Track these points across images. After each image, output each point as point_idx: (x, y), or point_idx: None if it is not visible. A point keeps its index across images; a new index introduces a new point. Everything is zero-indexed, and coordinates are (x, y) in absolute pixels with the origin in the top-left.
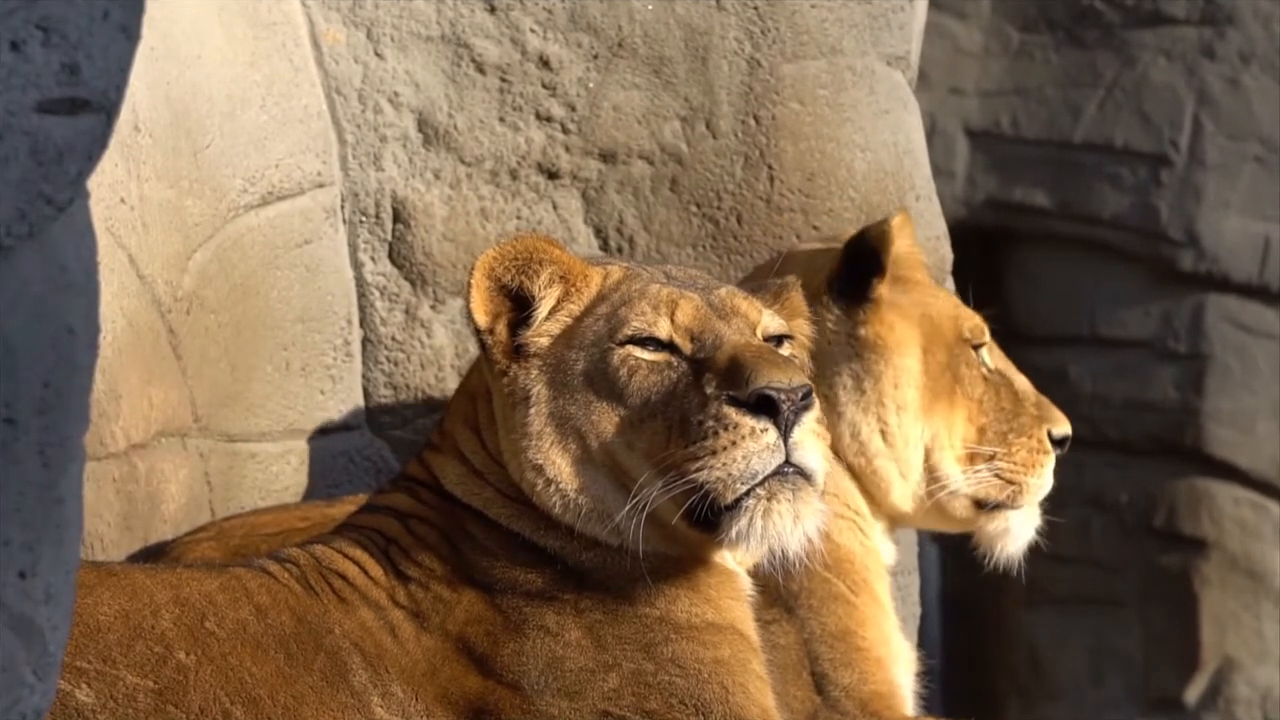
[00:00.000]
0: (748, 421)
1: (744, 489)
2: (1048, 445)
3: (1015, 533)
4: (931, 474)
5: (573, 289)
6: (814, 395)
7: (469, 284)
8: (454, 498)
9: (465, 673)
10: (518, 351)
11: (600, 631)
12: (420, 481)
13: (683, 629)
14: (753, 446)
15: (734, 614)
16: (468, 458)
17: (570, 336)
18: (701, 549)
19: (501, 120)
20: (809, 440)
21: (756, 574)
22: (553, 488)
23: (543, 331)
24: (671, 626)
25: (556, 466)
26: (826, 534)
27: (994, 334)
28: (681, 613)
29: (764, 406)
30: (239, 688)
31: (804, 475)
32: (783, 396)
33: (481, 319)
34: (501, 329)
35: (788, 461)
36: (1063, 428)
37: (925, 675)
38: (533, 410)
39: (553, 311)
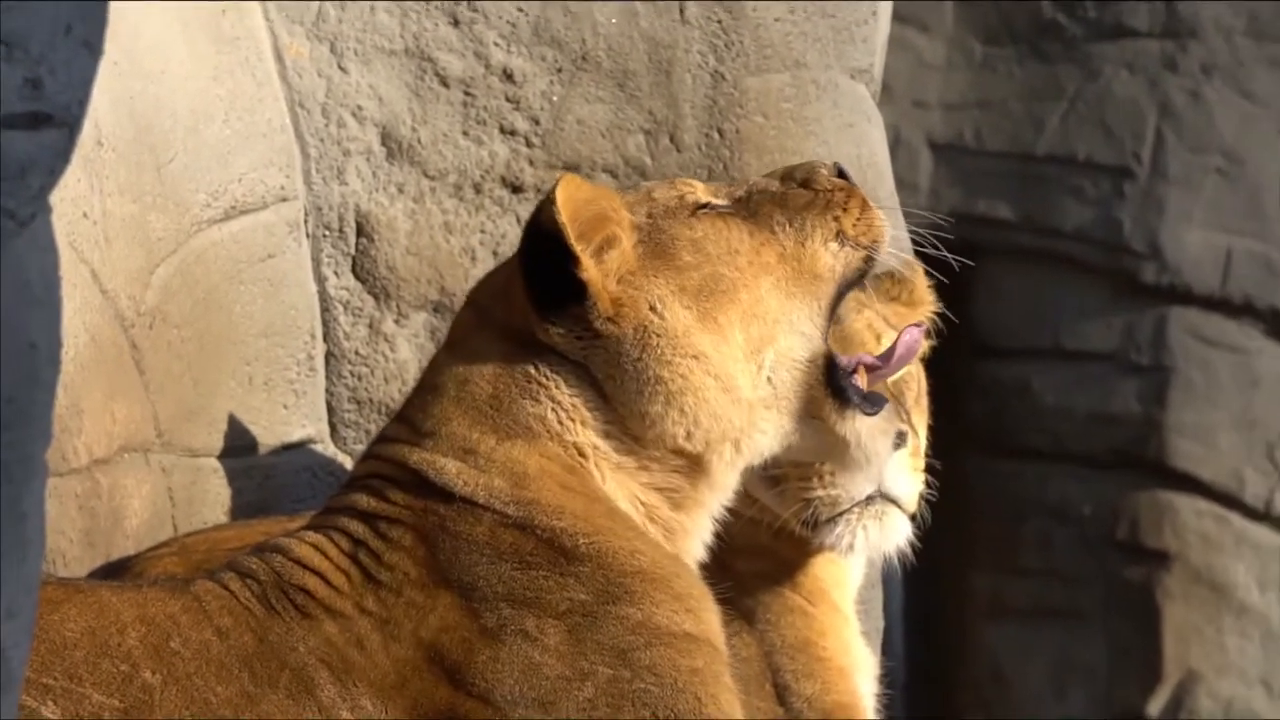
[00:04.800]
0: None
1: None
2: None
3: (847, 541)
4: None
5: None
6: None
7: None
8: (446, 493)
9: (436, 684)
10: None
11: (581, 635)
12: (388, 479)
13: (662, 635)
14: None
15: (711, 626)
16: (473, 452)
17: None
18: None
19: (465, 134)
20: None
21: (715, 588)
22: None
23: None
24: (652, 632)
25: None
26: (774, 550)
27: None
28: (663, 618)
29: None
30: (204, 708)
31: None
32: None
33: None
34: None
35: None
36: None
37: (886, 679)
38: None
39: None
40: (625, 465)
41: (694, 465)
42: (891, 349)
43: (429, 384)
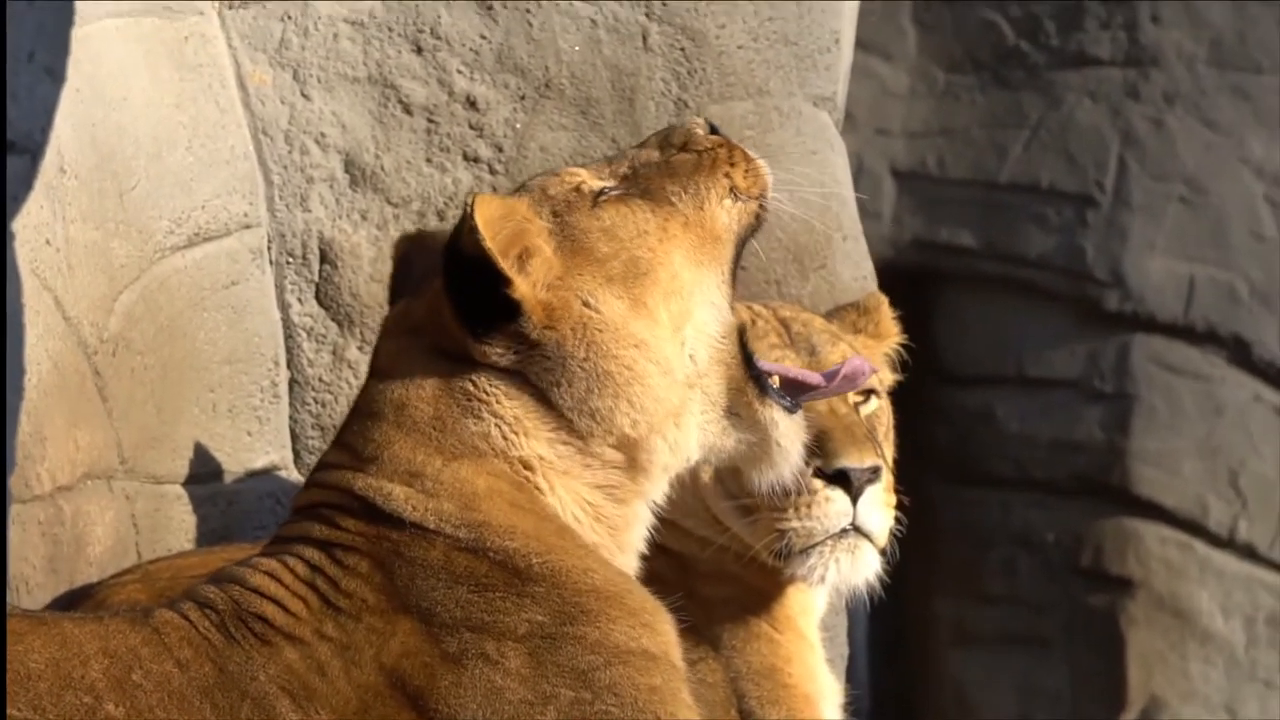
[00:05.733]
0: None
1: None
2: (813, 484)
3: (819, 573)
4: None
5: None
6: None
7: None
8: (396, 519)
9: (399, 710)
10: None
11: (541, 657)
12: (337, 507)
13: (620, 654)
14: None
15: (668, 639)
16: (419, 475)
17: None
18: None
19: (429, 161)
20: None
21: (680, 613)
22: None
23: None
24: (610, 651)
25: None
26: (741, 576)
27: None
28: (620, 635)
29: (840, 480)
30: None
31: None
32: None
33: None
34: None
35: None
36: (836, 462)
37: (850, 706)
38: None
39: None
40: (571, 470)
41: (633, 457)
42: (836, 370)
43: (364, 410)
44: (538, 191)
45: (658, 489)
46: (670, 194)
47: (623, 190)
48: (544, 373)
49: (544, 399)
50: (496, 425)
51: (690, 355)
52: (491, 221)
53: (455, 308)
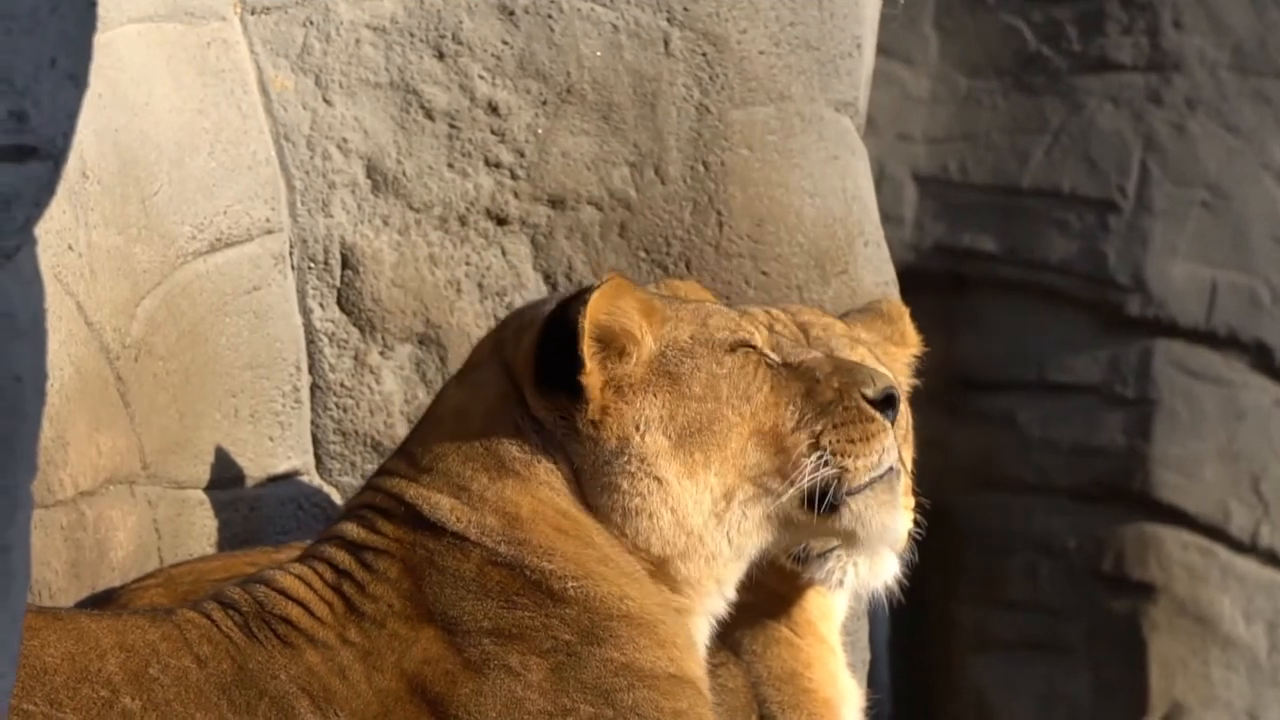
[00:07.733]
0: (880, 417)
1: (868, 479)
2: None
3: (838, 576)
4: None
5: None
6: (898, 474)
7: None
8: (437, 527)
9: (418, 715)
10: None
11: (564, 673)
12: (380, 510)
13: (645, 677)
14: (886, 441)
15: (692, 665)
16: (466, 489)
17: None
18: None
19: (450, 166)
20: (900, 443)
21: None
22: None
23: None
24: (635, 674)
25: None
26: (761, 581)
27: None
28: (646, 661)
29: (887, 404)
30: None
31: (899, 474)
32: (898, 396)
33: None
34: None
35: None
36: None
37: (871, 711)
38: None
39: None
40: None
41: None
42: None
43: (433, 415)
44: (703, 313)
45: (701, 594)
46: (789, 397)
47: (770, 360)
48: (578, 455)
49: (574, 472)
50: (535, 465)
51: (728, 537)
52: (603, 309)
53: (537, 354)
